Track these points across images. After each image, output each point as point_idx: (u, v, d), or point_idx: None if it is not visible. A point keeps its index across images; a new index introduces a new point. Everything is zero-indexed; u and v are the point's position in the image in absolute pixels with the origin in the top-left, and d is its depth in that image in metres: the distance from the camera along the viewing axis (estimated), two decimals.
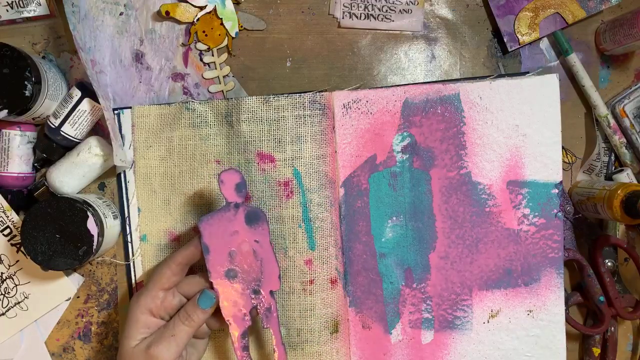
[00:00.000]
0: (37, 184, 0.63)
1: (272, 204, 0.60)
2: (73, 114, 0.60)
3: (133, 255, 0.63)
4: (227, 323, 0.55)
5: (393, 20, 0.65)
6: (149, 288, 0.54)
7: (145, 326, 0.54)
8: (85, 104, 0.60)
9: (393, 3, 0.64)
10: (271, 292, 0.55)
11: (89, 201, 0.59)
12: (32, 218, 0.56)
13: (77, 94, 0.60)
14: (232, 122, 0.61)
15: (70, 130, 0.60)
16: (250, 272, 0.55)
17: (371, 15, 0.64)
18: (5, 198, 0.62)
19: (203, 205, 0.62)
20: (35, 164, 0.63)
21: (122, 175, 0.63)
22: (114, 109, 0.63)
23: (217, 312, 0.55)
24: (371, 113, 0.62)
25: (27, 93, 0.56)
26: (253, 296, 0.55)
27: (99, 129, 0.64)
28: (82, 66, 0.61)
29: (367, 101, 0.62)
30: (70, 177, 0.61)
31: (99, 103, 0.60)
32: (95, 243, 0.57)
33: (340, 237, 0.62)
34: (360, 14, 0.64)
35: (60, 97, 0.61)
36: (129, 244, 0.63)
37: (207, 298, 0.53)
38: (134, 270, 0.64)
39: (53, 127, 0.60)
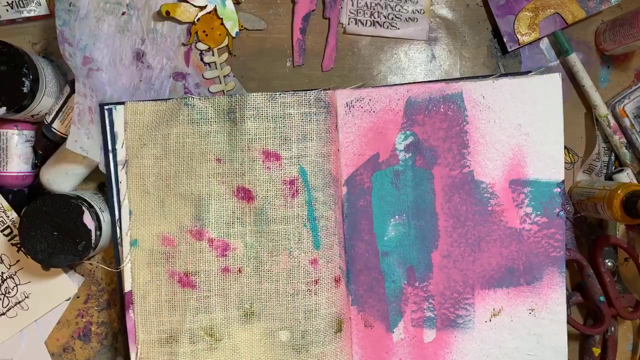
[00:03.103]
0: (38, 183, 0.62)
1: (278, 203, 0.59)
2: (62, 110, 0.59)
3: (122, 263, 0.60)
4: None
5: (399, 28, 0.65)
6: None
7: None
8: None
9: (399, 11, 0.64)
10: None
11: (83, 196, 0.58)
12: (28, 217, 0.56)
13: (67, 90, 0.60)
14: (236, 119, 0.59)
15: (60, 126, 0.59)
16: None
17: (377, 22, 0.64)
18: (6, 198, 0.62)
19: (200, 207, 0.59)
20: (37, 162, 0.62)
21: (113, 175, 0.60)
22: (105, 104, 0.60)
23: None
24: (374, 112, 0.62)
25: (25, 90, 0.55)
26: None
27: None
28: (63, 58, 0.58)
29: (369, 100, 0.62)
30: (56, 174, 0.60)
31: None
32: (93, 237, 0.57)
33: (343, 236, 0.62)
34: (367, 20, 0.64)
35: (58, 95, 0.61)
36: (119, 248, 0.60)
37: None
38: (122, 279, 0.60)
39: (46, 124, 0.60)
